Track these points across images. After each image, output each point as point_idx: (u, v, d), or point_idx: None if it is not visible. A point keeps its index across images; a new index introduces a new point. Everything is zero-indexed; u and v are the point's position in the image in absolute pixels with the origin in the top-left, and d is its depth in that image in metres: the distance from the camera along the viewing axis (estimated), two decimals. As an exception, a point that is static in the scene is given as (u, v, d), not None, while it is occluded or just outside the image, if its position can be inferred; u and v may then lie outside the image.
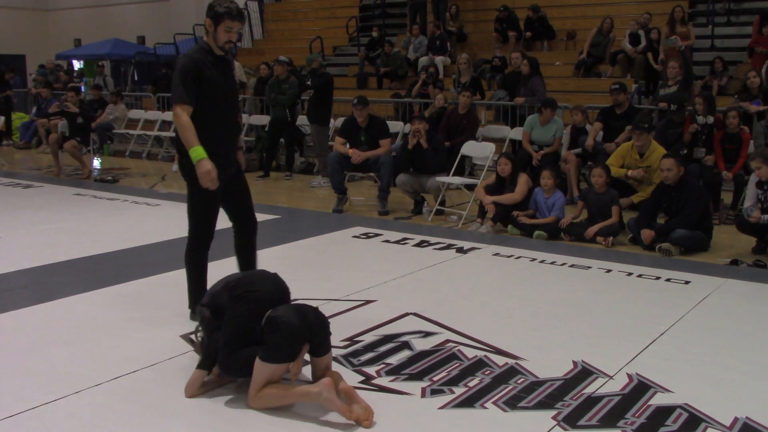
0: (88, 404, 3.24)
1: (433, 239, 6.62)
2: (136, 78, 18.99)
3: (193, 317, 4.22)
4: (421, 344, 3.99)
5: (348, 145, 8.10)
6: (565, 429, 3.06)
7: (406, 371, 3.63)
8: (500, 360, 3.78)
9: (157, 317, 4.39)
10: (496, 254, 6.11)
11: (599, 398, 3.35)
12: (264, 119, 11.95)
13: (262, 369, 3.13)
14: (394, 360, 3.77)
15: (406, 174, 7.86)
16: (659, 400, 3.33)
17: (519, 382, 3.52)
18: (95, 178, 10.37)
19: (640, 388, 3.46)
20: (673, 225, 6.23)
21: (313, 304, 3.55)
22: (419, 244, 6.43)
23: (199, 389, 3.33)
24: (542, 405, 3.28)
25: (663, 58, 10.76)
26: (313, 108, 10.34)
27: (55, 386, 3.40)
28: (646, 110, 9.25)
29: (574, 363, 3.73)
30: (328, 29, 16.90)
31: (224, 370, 3.30)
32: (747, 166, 7.20)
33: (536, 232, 6.73)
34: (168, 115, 13.84)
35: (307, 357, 3.28)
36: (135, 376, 3.54)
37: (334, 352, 3.62)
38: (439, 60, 13.20)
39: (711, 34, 12.37)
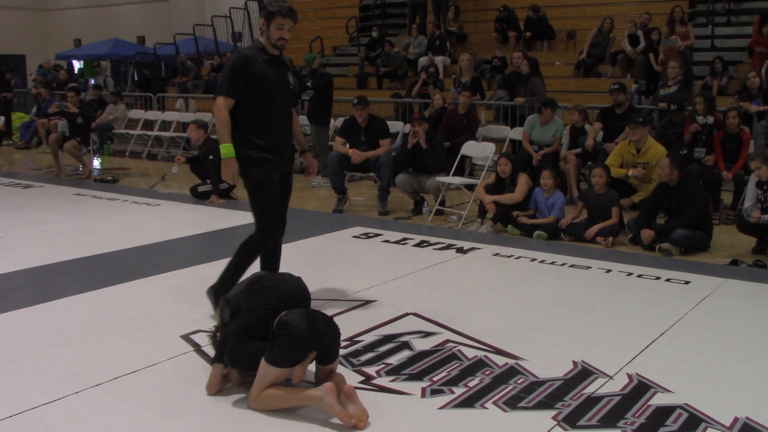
0: (88, 404, 3.24)
1: (433, 239, 6.62)
2: (135, 78, 18.98)
3: (212, 299, 4.26)
4: (421, 344, 3.99)
5: (348, 145, 8.09)
6: (565, 429, 3.06)
7: (406, 371, 3.63)
8: (500, 360, 3.78)
9: (157, 317, 4.39)
10: (496, 254, 6.11)
11: (599, 398, 3.34)
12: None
13: (266, 371, 3.13)
14: (394, 360, 3.77)
15: (406, 174, 7.85)
16: (659, 400, 3.33)
17: (519, 382, 3.52)
18: (95, 178, 10.36)
19: (640, 388, 3.46)
20: (673, 225, 6.23)
21: (313, 304, 3.55)
22: (419, 244, 6.43)
23: (221, 384, 3.32)
24: (542, 405, 3.28)
25: (663, 59, 10.76)
26: (312, 108, 10.32)
27: (55, 386, 3.39)
28: (646, 110, 9.25)
29: (574, 363, 3.73)
30: (328, 29, 16.90)
31: (229, 360, 3.27)
32: (747, 167, 7.19)
33: (536, 233, 6.73)
34: (168, 115, 13.87)
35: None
36: (135, 376, 3.54)
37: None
38: (439, 60, 13.20)
39: (711, 34, 12.36)
